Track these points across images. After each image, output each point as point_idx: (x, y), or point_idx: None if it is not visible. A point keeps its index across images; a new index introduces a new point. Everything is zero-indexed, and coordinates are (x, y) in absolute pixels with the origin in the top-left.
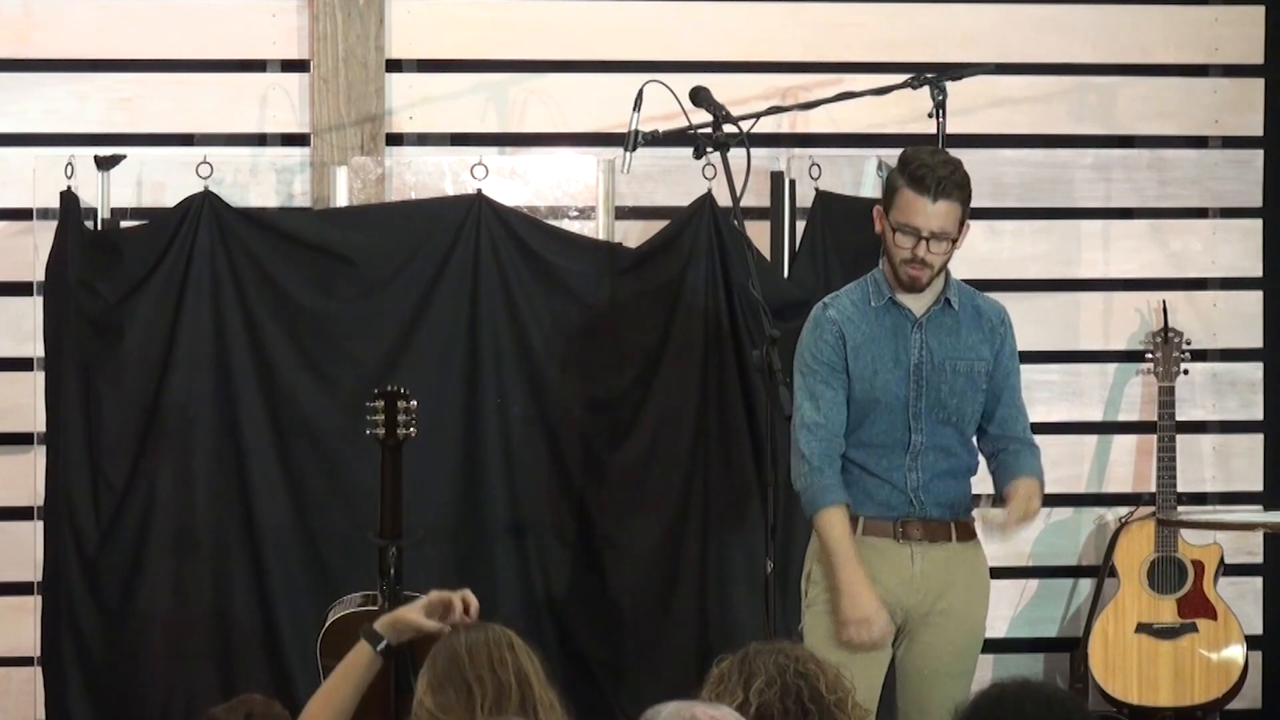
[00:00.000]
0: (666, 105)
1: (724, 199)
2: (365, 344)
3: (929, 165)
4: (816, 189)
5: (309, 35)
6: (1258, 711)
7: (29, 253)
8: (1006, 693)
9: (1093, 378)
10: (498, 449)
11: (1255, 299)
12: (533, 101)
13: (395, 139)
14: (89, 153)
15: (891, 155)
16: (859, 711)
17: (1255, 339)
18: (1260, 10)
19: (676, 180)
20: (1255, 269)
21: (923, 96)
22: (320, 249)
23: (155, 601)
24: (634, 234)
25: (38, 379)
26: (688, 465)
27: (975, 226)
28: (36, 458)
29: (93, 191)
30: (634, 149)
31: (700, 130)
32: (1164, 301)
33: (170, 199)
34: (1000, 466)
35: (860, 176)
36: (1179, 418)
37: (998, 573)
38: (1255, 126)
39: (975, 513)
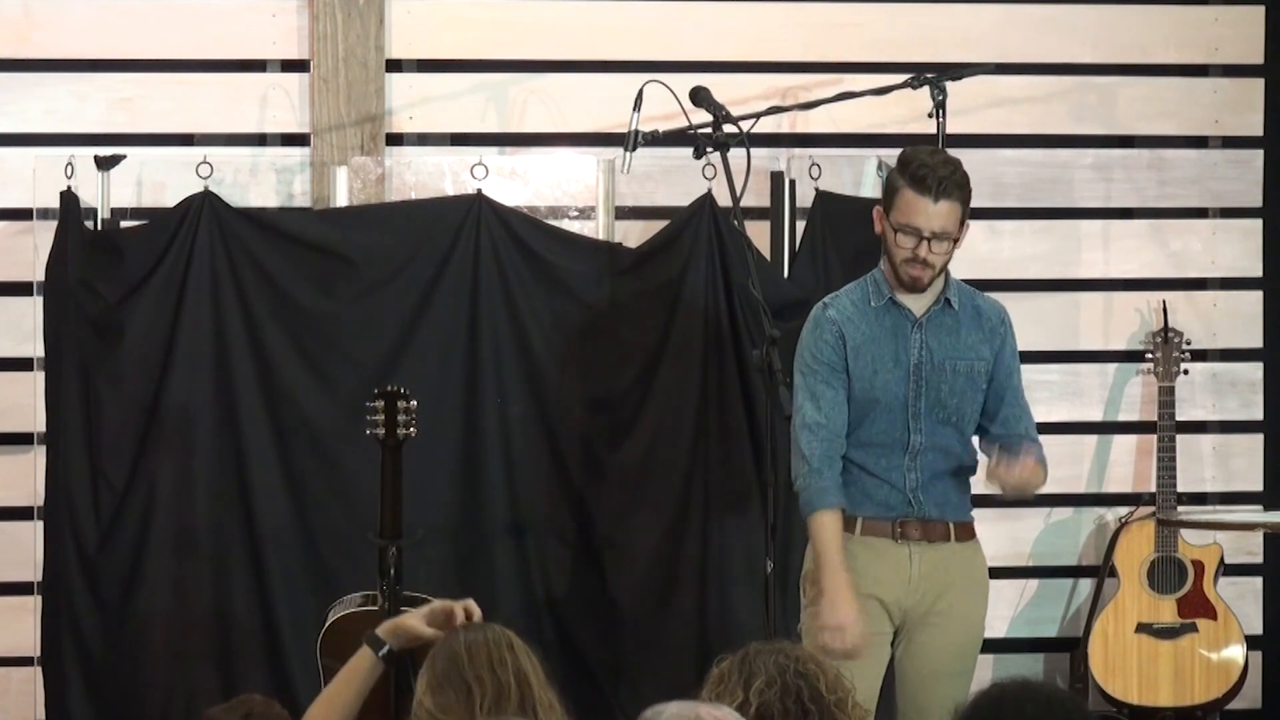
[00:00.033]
0: (666, 105)
1: (724, 199)
2: (365, 344)
3: (929, 165)
4: (816, 189)
5: (309, 35)
6: (1258, 711)
7: (29, 253)
8: (1006, 693)
9: (1093, 378)
10: (498, 449)
11: (1255, 299)
12: (533, 101)
13: (395, 139)
14: (89, 153)
15: (891, 155)
16: (859, 711)
17: (1255, 339)
18: (1260, 10)
19: (676, 180)
20: (1255, 269)
21: (923, 96)
22: (320, 249)
23: (155, 601)
24: (634, 234)
25: (38, 379)
26: (688, 465)
27: (975, 226)
28: (36, 458)
29: (93, 191)
30: (634, 149)
31: (700, 130)
32: (1164, 301)
33: (170, 199)
34: (1005, 449)
35: (860, 176)
36: (1179, 418)
37: (997, 573)
38: (1255, 126)
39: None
